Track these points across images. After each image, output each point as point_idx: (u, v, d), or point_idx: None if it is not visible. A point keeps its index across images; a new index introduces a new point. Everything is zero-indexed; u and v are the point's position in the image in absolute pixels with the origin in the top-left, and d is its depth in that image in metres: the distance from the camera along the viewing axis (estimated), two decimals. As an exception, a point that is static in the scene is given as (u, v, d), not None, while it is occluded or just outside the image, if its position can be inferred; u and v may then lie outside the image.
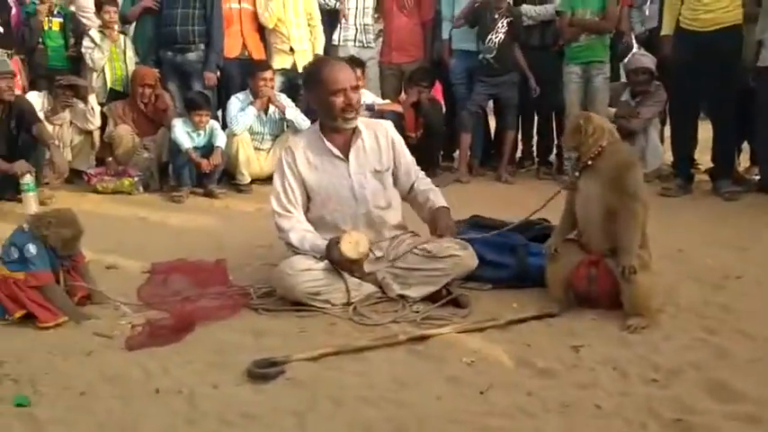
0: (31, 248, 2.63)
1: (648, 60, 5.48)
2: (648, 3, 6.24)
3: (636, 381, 2.11)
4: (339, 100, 2.82)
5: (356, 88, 2.89)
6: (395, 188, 3.06)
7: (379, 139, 3.00)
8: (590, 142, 2.62)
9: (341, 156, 2.93)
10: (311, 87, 2.96)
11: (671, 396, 2.00)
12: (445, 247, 2.83)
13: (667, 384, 2.08)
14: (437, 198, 3.06)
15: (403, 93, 6.23)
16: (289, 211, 2.90)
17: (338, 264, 2.75)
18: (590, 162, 2.63)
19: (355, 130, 2.93)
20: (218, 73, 5.85)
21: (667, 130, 5.90)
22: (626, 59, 6.03)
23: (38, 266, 2.63)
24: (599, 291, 2.65)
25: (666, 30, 5.10)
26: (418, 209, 3.12)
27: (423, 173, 3.19)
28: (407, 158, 3.10)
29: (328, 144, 2.92)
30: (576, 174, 2.70)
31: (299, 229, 2.88)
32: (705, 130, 5.42)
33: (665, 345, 2.38)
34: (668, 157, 5.69)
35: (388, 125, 3.12)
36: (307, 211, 2.97)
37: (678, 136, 5.34)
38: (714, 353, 2.30)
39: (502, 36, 5.65)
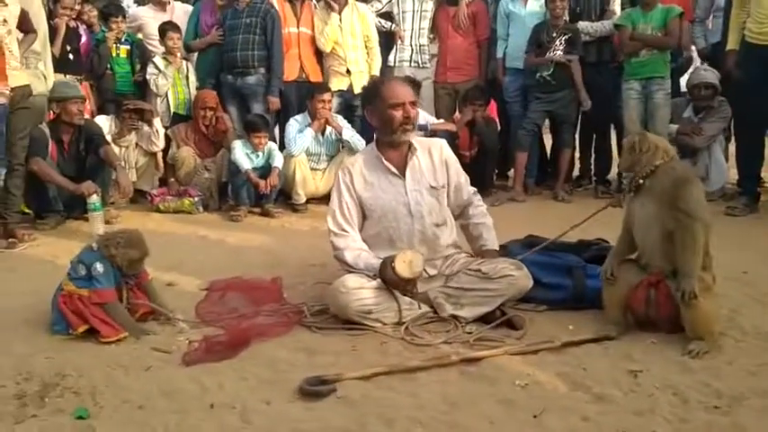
0: (99, 267, 2.74)
1: (712, 75, 5.34)
2: (711, 17, 6.10)
3: (696, 407, 2.04)
4: (398, 113, 2.89)
5: (414, 104, 2.95)
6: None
7: (434, 157, 3.03)
8: (644, 161, 2.56)
9: (397, 173, 2.97)
10: (371, 102, 3.01)
11: (733, 423, 1.93)
12: (500, 268, 2.82)
13: (729, 411, 2.01)
14: (489, 236, 3.09)
15: (457, 112, 6.23)
16: (344, 230, 2.94)
17: (391, 283, 2.76)
18: (643, 181, 2.57)
19: (411, 147, 2.98)
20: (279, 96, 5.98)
21: (732, 147, 5.74)
22: (688, 75, 5.87)
23: (103, 284, 2.72)
24: (659, 314, 2.58)
25: (732, 44, 4.96)
26: (469, 239, 3.16)
27: (479, 197, 3.20)
28: (461, 178, 3.11)
29: (385, 162, 2.97)
30: (631, 193, 2.64)
31: (354, 248, 2.91)
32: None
33: (728, 370, 2.29)
34: (733, 174, 5.50)
35: (442, 143, 3.15)
36: (362, 229, 3.00)
37: (743, 153, 5.17)
38: (780, 379, 2.21)
39: (561, 53, 5.60)
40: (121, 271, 2.80)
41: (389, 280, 2.75)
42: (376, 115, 2.99)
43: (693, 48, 6.40)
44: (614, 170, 6.20)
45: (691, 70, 5.90)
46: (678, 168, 2.60)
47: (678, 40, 5.64)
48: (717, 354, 2.42)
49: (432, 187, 2.98)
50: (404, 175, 2.96)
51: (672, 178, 2.52)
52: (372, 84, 3.17)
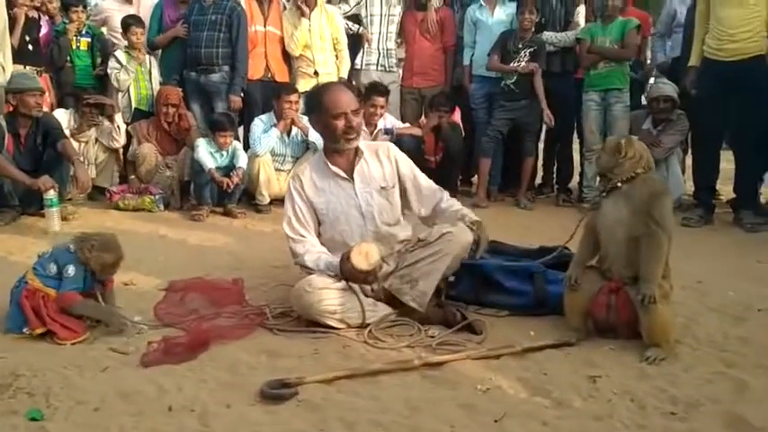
0: (71, 270, 2.67)
1: (670, 89, 5.47)
2: (672, 33, 6.24)
3: (653, 413, 2.08)
4: (341, 123, 2.90)
5: (356, 112, 2.96)
6: (411, 208, 3.09)
7: (381, 158, 3.06)
8: (626, 166, 2.61)
9: (346, 176, 2.99)
10: (314, 111, 3.03)
11: (689, 430, 1.97)
12: (436, 230, 2.87)
13: (686, 417, 2.05)
14: (469, 214, 3.06)
15: (423, 117, 6.26)
16: (302, 236, 2.95)
17: (351, 277, 2.76)
18: (620, 185, 2.61)
19: (357, 151, 3.01)
20: (242, 95, 5.93)
21: (688, 160, 5.88)
22: (647, 88, 6.01)
23: (69, 288, 2.66)
24: (618, 319, 2.62)
25: (693, 61, 5.09)
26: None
27: (448, 195, 3.19)
28: (417, 177, 3.11)
29: (332, 167, 2.99)
30: (604, 194, 2.68)
31: (314, 252, 2.92)
32: (727, 161, 5.38)
33: (684, 377, 2.34)
34: (689, 186, 5.64)
35: (389, 145, 3.19)
36: (318, 234, 3.01)
37: (700, 166, 5.30)
38: (733, 386, 2.26)
39: (524, 64, 5.67)
40: (94, 276, 2.73)
41: (349, 274, 2.75)
42: (319, 124, 3.01)
43: (650, 60, 6.56)
44: (576, 179, 6.32)
45: (651, 83, 6.03)
46: (656, 180, 2.69)
47: (635, 52, 5.78)
48: (673, 361, 2.47)
49: (382, 188, 3.00)
50: (352, 178, 2.99)
51: (650, 188, 2.58)
52: (315, 92, 3.16)
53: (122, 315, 2.78)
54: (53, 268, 2.69)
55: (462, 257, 2.91)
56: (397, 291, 2.87)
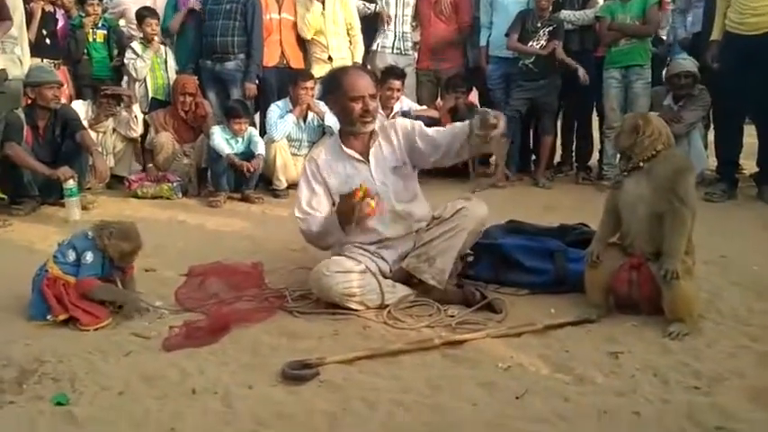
0: (89, 256, 2.71)
1: (690, 64, 5.36)
2: (692, 7, 6.13)
3: (676, 388, 2.06)
4: (358, 106, 2.90)
5: (374, 96, 2.95)
6: (430, 160, 3.02)
7: (391, 138, 3.04)
8: (646, 144, 2.57)
9: (361, 158, 2.98)
10: (331, 93, 3.02)
11: (712, 404, 1.95)
12: (450, 207, 2.87)
13: (709, 392, 2.03)
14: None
15: (439, 98, 6.22)
16: (308, 214, 2.95)
17: (344, 210, 2.76)
18: (642, 164, 2.58)
19: (372, 134, 3.00)
20: (257, 82, 5.93)
21: (711, 135, 5.79)
22: (667, 63, 5.91)
23: (87, 273, 2.69)
24: (640, 295, 2.60)
25: (716, 35, 5.00)
26: (456, 142, 2.93)
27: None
28: (426, 130, 3.02)
29: (348, 150, 2.99)
30: (625, 173, 2.64)
31: (317, 217, 2.92)
32: (750, 135, 5.29)
33: (708, 352, 2.32)
34: (712, 161, 5.56)
35: (396, 122, 3.15)
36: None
37: (723, 140, 5.22)
38: (757, 360, 2.24)
39: (543, 43, 5.61)
40: (112, 262, 2.76)
41: (341, 208, 2.77)
42: (336, 106, 3.02)
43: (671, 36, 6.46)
44: (595, 156, 6.25)
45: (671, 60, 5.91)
46: (678, 156, 2.67)
47: (656, 28, 5.69)
48: (696, 336, 2.44)
49: (395, 167, 3.00)
50: (368, 160, 2.98)
51: (673, 165, 2.55)
52: (333, 75, 3.13)
53: (143, 300, 2.81)
54: (72, 255, 2.72)
55: (479, 232, 2.91)
56: (414, 269, 2.86)
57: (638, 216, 2.60)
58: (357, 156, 2.99)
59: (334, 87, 2.98)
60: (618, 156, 2.74)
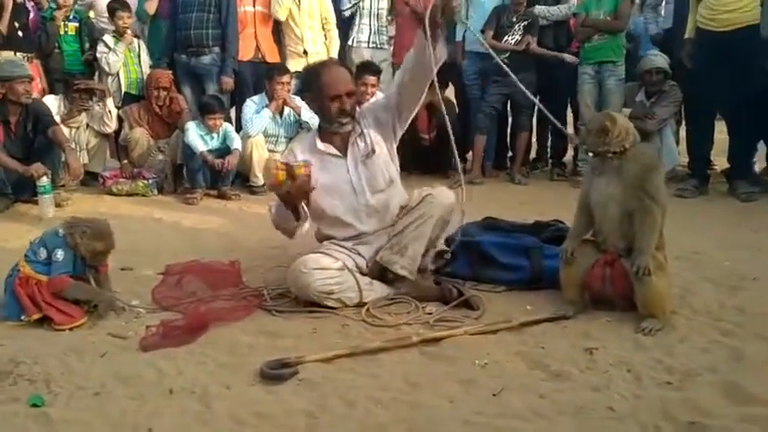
0: (59, 254, 2.67)
1: (662, 60, 5.44)
2: (663, 3, 6.21)
3: (650, 383, 2.09)
4: (335, 105, 2.88)
5: (351, 94, 2.92)
6: (400, 110, 2.98)
7: (362, 125, 3.00)
8: (614, 143, 2.60)
9: (338, 153, 2.97)
10: (309, 91, 3.02)
11: (685, 399, 1.98)
12: (416, 195, 2.88)
13: (682, 387, 2.07)
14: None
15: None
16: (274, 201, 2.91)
17: (282, 196, 2.71)
18: (612, 158, 2.60)
19: (354, 129, 2.97)
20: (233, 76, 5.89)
21: (682, 131, 5.88)
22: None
23: (59, 272, 2.66)
24: (614, 291, 2.64)
25: (690, 32, 5.06)
26: (412, 66, 2.89)
27: None
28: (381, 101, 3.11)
29: (323, 145, 2.97)
30: (598, 173, 2.66)
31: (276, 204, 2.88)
32: (721, 131, 5.38)
33: (680, 347, 2.36)
34: (683, 157, 5.64)
35: (365, 106, 3.13)
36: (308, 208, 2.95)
37: (694, 136, 5.31)
38: (730, 355, 2.28)
39: (518, 38, 5.65)
40: (84, 261, 2.72)
41: (271, 187, 2.77)
42: (314, 104, 3.02)
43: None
44: (570, 153, 6.31)
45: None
46: (647, 153, 2.69)
47: (627, 23, 5.76)
48: (669, 331, 2.48)
49: (364, 156, 2.96)
50: (345, 155, 2.97)
51: (641, 162, 2.58)
52: (310, 72, 3.11)
53: (119, 299, 2.79)
54: (43, 253, 2.69)
55: (446, 219, 2.92)
56: (387, 261, 2.85)
57: (609, 214, 2.62)
58: (333, 151, 2.97)
59: (312, 85, 2.97)
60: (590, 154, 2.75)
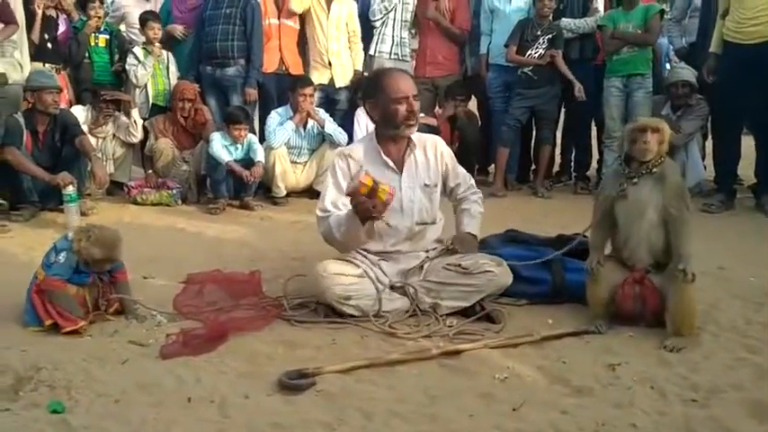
0: (62, 256, 2.69)
1: (689, 74, 5.39)
2: (688, 17, 6.16)
3: (674, 400, 2.06)
4: (402, 108, 2.83)
5: (416, 97, 2.89)
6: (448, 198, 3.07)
7: (428, 154, 2.99)
8: (661, 150, 2.60)
9: (395, 168, 2.93)
10: (373, 96, 2.92)
11: (710, 416, 1.94)
12: (480, 264, 2.82)
13: (707, 404, 2.03)
14: (468, 221, 3.06)
15: (437, 106, 6.23)
16: (328, 211, 2.85)
17: (354, 196, 2.61)
18: (655, 170, 2.59)
19: (410, 143, 2.94)
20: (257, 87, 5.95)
21: (709, 145, 5.80)
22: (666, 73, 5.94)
23: (55, 273, 2.67)
24: (645, 309, 2.61)
25: (714, 47, 5.02)
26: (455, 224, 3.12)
27: (473, 188, 3.16)
28: (457, 169, 3.11)
29: (384, 156, 2.92)
30: (635, 181, 2.62)
31: (339, 215, 2.81)
32: (748, 145, 5.30)
33: (705, 364, 2.32)
34: (710, 172, 5.57)
35: (437, 140, 3.10)
36: None
37: (721, 151, 5.24)
38: (755, 373, 2.23)
39: (542, 51, 5.63)
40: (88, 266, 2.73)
41: (352, 193, 2.61)
42: (378, 109, 2.90)
43: (670, 46, 6.49)
44: (594, 166, 6.26)
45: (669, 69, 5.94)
46: (674, 163, 2.73)
47: (657, 37, 5.72)
48: (694, 348, 2.44)
49: (425, 185, 2.95)
50: (401, 171, 2.93)
51: (676, 170, 2.63)
52: (374, 76, 3.06)
53: (141, 306, 2.80)
54: (53, 256, 2.72)
55: (493, 295, 2.88)
56: (414, 295, 2.84)
57: (643, 224, 2.60)
58: (392, 164, 2.92)
59: (376, 89, 2.89)
60: (621, 163, 2.70)
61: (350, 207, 2.70)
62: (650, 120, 2.74)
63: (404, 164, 2.93)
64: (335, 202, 2.86)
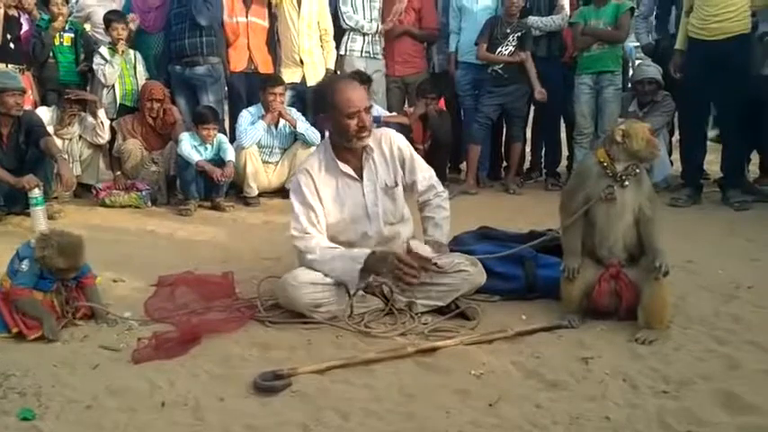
0: (24, 264, 2.64)
1: (654, 71, 5.47)
2: (655, 13, 6.25)
3: (646, 392, 2.09)
4: (353, 122, 2.77)
5: (368, 109, 2.85)
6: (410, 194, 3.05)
7: (385, 152, 2.96)
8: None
9: (354, 176, 2.91)
10: (324, 109, 2.87)
11: (682, 408, 1.97)
12: (456, 263, 2.82)
13: (678, 396, 2.06)
14: (434, 232, 3.02)
15: (406, 105, 6.24)
16: (307, 233, 2.82)
17: (389, 267, 2.64)
18: (638, 171, 2.63)
19: (366, 147, 2.90)
20: (225, 87, 5.89)
21: (675, 140, 5.89)
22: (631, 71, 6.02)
23: (20, 282, 2.62)
24: (621, 304, 2.64)
25: (680, 44, 5.10)
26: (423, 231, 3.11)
27: (435, 188, 3.10)
28: (416, 174, 3.02)
29: (343, 166, 2.89)
30: (626, 183, 2.63)
31: (326, 255, 2.77)
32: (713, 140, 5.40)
33: (676, 356, 2.35)
34: (677, 167, 5.66)
35: (390, 133, 3.05)
36: None
37: (687, 146, 5.32)
38: (725, 364, 2.28)
39: (512, 49, 5.67)
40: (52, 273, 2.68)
41: (390, 262, 2.63)
42: (330, 123, 2.87)
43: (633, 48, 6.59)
44: (564, 163, 6.33)
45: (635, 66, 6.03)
46: None
47: (627, 34, 5.80)
48: (665, 340, 2.48)
49: (387, 186, 2.93)
50: (361, 177, 2.91)
51: (644, 172, 2.67)
52: (325, 88, 2.99)
53: (110, 311, 2.75)
54: (16, 263, 2.67)
55: (467, 294, 2.87)
56: (389, 294, 2.84)
57: (622, 224, 2.64)
58: (351, 173, 2.89)
59: (327, 104, 2.83)
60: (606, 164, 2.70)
61: (323, 226, 2.82)
62: (640, 126, 2.74)
63: (363, 169, 2.91)
64: (311, 220, 2.83)
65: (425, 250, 2.68)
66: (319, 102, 2.97)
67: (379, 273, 2.72)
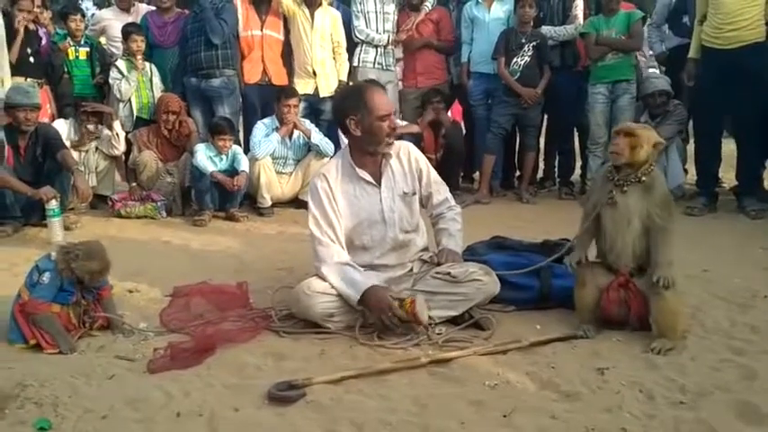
0: (45, 277, 2.65)
1: (664, 82, 5.47)
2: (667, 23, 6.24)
3: (663, 403, 2.07)
4: (385, 125, 2.82)
5: (395, 113, 2.90)
6: (424, 209, 3.07)
7: (403, 161, 2.99)
8: (651, 158, 2.63)
9: (373, 181, 2.92)
10: (355, 113, 2.84)
11: (698, 419, 1.96)
12: (469, 272, 2.82)
13: (695, 407, 2.04)
14: (447, 242, 3.03)
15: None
16: (330, 239, 2.84)
17: (383, 312, 2.64)
18: (644, 178, 2.61)
19: (385, 154, 2.93)
20: (240, 99, 5.93)
21: (690, 148, 5.86)
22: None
23: (40, 295, 2.63)
24: (631, 313, 2.62)
25: (693, 53, 5.09)
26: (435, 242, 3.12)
27: (449, 202, 3.12)
28: (431, 187, 3.05)
29: (361, 172, 2.91)
30: (625, 189, 2.64)
31: (340, 269, 2.79)
32: (728, 148, 5.37)
33: (692, 366, 2.33)
34: (692, 175, 5.63)
35: (408, 146, 3.08)
36: None
37: (702, 154, 5.30)
38: (742, 374, 2.26)
39: (527, 60, 5.68)
40: (82, 284, 2.70)
41: (379, 309, 2.64)
42: (361, 126, 2.84)
43: (650, 52, 6.56)
44: (577, 172, 6.31)
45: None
46: (660, 173, 2.74)
47: (641, 43, 5.78)
48: (681, 350, 2.46)
49: (404, 193, 2.95)
50: (379, 183, 2.93)
51: (662, 179, 2.65)
52: (355, 93, 2.98)
53: (125, 322, 2.77)
54: (35, 275, 2.68)
55: (481, 304, 2.86)
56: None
57: (629, 231, 2.62)
58: (369, 178, 2.92)
59: (359, 106, 2.83)
60: (611, 169, 2.71)
61: (340, 231, 2.85)
62: (629, 124, 2.77)
63: (381, 175, 2.93)
64: (331, 223, 2.85)
65: (424, 312, 2.65)
66: (349, 104, 2.91)
67: (371, 310, 2.70)
